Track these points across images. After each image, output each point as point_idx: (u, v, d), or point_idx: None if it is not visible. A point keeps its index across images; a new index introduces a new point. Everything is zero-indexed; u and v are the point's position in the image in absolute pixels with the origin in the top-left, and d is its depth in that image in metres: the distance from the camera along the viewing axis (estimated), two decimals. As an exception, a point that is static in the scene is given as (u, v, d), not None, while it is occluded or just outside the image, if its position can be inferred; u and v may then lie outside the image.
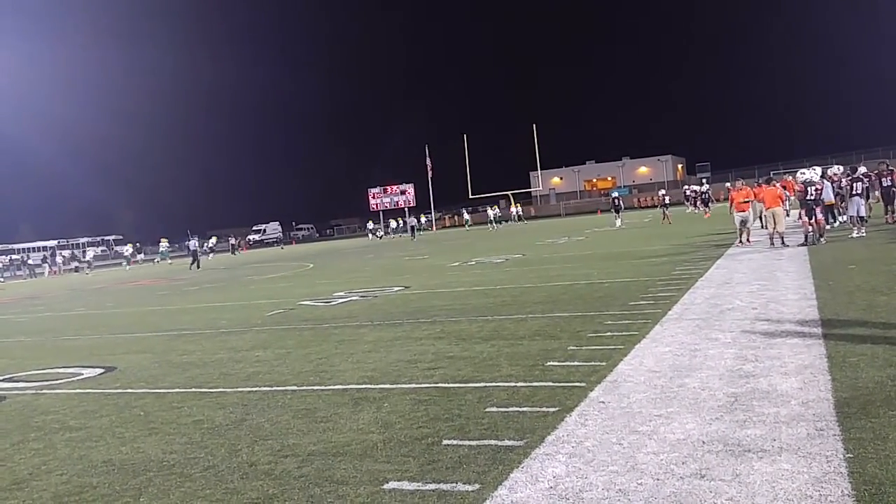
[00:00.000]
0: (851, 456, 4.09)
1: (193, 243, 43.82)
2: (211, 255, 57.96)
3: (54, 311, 20.86)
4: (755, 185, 21.76)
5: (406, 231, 62.56)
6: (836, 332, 7.25)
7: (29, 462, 5.61)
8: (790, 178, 23.17)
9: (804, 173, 18.92)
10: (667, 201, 40.38)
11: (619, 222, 39.39)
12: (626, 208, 46.49)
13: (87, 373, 9.32)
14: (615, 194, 46.07)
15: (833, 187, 20.59)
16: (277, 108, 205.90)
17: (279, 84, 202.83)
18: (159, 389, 7.90)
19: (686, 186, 54.74)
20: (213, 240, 63.75)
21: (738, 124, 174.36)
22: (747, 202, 19.21)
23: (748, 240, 18.58)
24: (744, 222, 18.81)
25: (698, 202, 46.17)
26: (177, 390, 7.77)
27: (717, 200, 49.85)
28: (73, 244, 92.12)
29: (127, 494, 4.66)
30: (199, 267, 40.44)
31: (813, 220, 17.34)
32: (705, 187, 46.71)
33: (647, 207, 66.58)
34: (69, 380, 8.98)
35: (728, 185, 20.67)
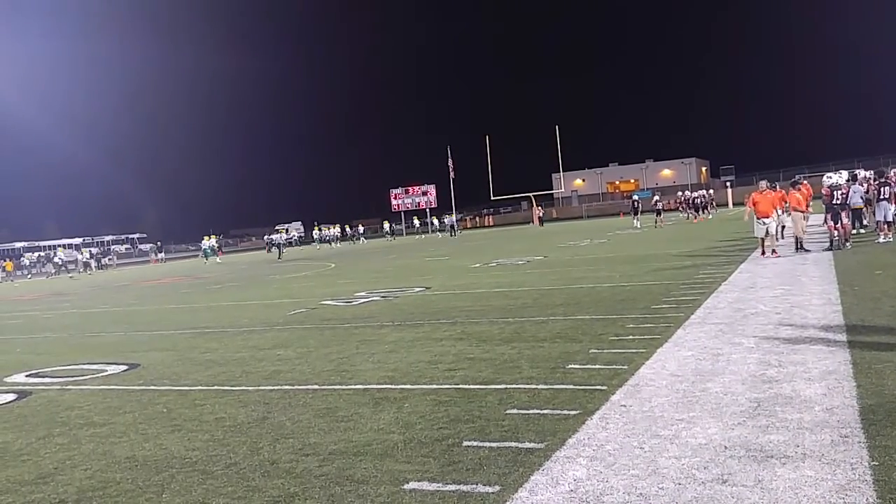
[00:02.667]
0: (877, 464, 4.05)
1: (279, 236, 52.48)
2: (362, 240, 64.93)
3: (79, 308, 21.10)
4: (766, 188, 18.25)
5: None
6: (861, 339, 7.17)
7: (54, 456, 5.68)
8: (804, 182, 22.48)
9: (830, 177, 18.73)
10: (659, 207, 42.04)
11: (637, 223, 40.99)
12: (646, 211, 47.05)
13: (112, 369, 9.43)
14: (635, 197, 47.77)
15: (861, 192, 20.27)
16: (300, 109, 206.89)
17: (302, 84, 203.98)
18: (182, 387, 7.97)
19: (680, 192, 54.68)
20: (299, 232, 66.03)
21: (764, 128, 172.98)
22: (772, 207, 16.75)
23: (773, 251, 16.32)
24: (767, 231, 16.45)
25: (684, 206, 46.85)
26: (199, 388, 7.83)
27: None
28: (97, 242, 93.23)
29: (150, 490, 4.70)
30: (279, 257, 45.84)
31: (838, 225, 17.15)
32: (696, 193, 47.79)
33: (669, 210, 66.30)
34: (94, 376, 9.09)
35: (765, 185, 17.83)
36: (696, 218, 42.65)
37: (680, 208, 49.87)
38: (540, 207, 70.95)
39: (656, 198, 44.28)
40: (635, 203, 44.49)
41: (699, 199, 45.09)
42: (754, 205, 16.95)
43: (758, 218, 16.67)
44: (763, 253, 16.45)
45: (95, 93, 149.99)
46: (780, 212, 17.64)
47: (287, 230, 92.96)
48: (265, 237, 62.62)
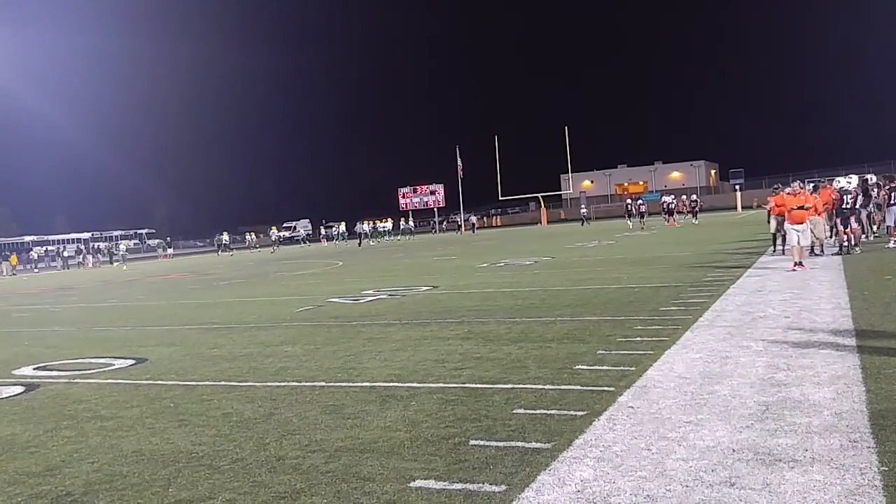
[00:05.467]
0: (886, 469, 4.02)
1: (361, 227, 58.28)
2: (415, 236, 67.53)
3: (87, 302, 21.17)
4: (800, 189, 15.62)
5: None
6: (870, 344, 7.13)
7: (61, 449, 5.70)
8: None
9: (839, 181, 18.64)
10: (643, 210, 45.08)
11: (631, 224, 44.85)
12: (654, 213, 49.22)
13: (119, 363, 9.45)
14: (629, 200, 52.51)
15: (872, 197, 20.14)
16: (308, 106, 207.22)
17: (312, 81, 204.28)
18: (189, 382, 7.98)
19: (664, 197, 56.58)
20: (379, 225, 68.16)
21: (774, 131, 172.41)
22: (803, 210, 14.52)
23: (801, 263, 14.07)
24: (800, 239, 14.26)
25: (664, 213, 49.45)
26: (206, 383, 7.84)
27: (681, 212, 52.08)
28: (106, 237, 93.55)
29: (156, 484, 4.71)
30: (360, 246, 52.24)
31: (848, 230, 17.07)
32: (671, 198, 51.11)
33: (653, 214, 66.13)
34: (101, 370, 9.12)
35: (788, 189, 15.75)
36: (668, 221, 46.10)
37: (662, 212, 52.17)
38: (585, 207, 70.73)
39: (640, 201, 49.27)
40: (628, 206, 48.94)
41: (672, 205, 48.50)
42: (784, 208, 14.98)
43: (790, 223, 14.60)
44: (794, 266, 14.04)
45: (106, 87, 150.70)
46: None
47: (294, 227, 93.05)
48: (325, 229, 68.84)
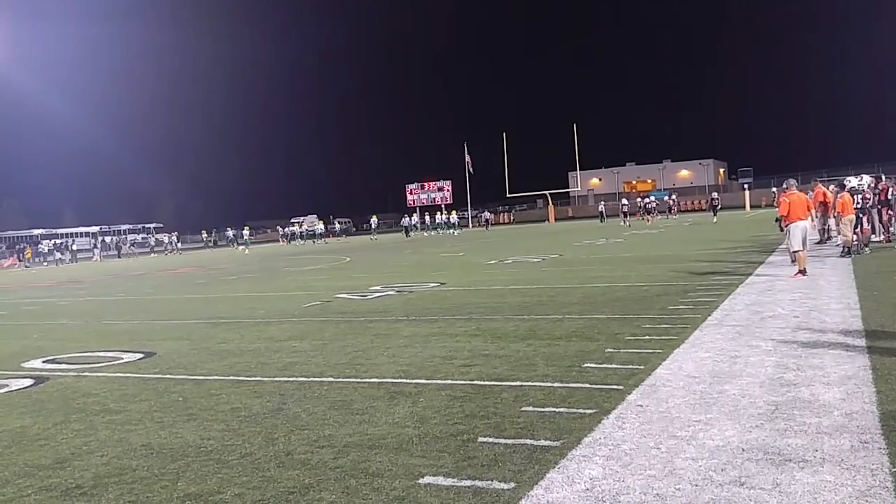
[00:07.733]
0: (897, 470, 4.00)
1: (408, 220, 63.55)
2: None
3: (96, 296, 21.24)
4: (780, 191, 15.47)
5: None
6: (880, 344, 7.10)
7: (70, 442, 5.72)
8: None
9: (850, 181, 18.55)
10: (626, 210, 52.67)
11: (625, 223, 48.98)
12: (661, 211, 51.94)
13: (128, 357, 9.48)
14: (623, 201, 56.77)
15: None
16: (316, 101, 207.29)
17: (320, 78, 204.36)
18: (197, 376, 8.00)
19: (639, 199, 61.56)
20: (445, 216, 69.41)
21: (783, 130, 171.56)
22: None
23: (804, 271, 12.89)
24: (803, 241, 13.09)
25: (642, 211, 54.87)
26: (215, 377, 7.86)
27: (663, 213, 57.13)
28: (114, 230, 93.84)
29: (165, 478, 4.72)
30: (408, 236, 55.90)
31: (857, 229, 16.97)
32: (651, 198, 56.84)
33: (687, 211, 65.98)
34: (110, 363, 9.15)
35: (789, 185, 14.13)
36: (647, 220, 50.33)
37: (639, 212, 56.72)
38: (626, 202, 70.28)
39: (624, 201, 55.85)
40: (623, 206, 54.41)
41: (651, 205, 53.88)
42: (809, 206, 13.68)
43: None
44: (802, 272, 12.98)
45: (115, 80, 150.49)
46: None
47: (301, 222, 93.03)
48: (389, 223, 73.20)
